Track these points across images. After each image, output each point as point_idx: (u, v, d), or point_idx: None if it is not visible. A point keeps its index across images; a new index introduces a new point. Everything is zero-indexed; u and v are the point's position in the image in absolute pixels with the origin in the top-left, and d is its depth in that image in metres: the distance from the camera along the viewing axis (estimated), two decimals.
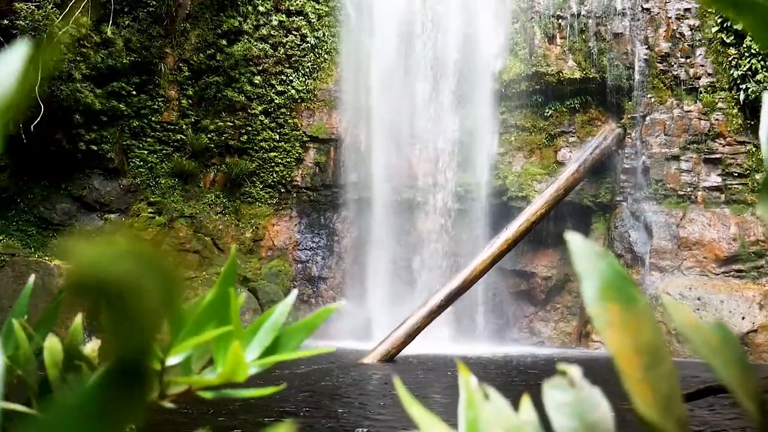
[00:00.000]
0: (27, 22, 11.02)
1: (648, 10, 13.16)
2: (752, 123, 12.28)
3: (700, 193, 12.54)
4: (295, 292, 0.74)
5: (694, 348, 0.43)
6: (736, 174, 12.39)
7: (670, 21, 12.96)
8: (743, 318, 11.26)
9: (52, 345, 0.71)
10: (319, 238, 15.02)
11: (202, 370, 0.64)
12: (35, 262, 11.15)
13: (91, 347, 0.75)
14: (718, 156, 12.50)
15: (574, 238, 0.42)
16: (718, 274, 12.07)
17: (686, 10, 12.91)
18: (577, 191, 13.41)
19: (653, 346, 0.39)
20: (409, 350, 10.46)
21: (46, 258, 11.56)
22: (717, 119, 12.50)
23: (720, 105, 12.50)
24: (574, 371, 0.45)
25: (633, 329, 0.40)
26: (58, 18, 11.43)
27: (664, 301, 0.47)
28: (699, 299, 11.64)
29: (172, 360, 0.60)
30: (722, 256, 12.07)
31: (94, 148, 13.50)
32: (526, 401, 0.50)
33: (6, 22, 11.22)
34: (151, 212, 13.96)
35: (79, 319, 0.76)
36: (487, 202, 13.94)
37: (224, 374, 0.58)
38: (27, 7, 11.04)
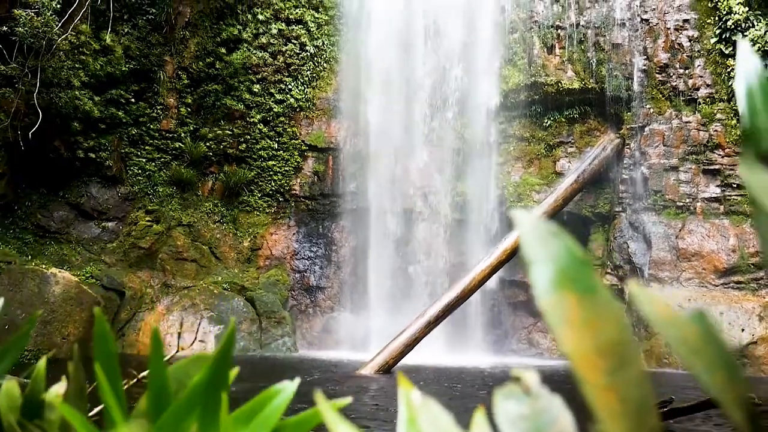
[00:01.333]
0: (26, 29, 11.00)
1: (647, 20, 13.17)
2: None
3: (699, 204, 12.50)
4: (297, 381, 0.65)
5: (668, 345, 0.35)
6: (735, 185, 12.34)
7: (669, 32, 12.97)
8: (743, 330, 11.19)
9: (10, 389, 0.62)
10: (317, 247, 14.95)
11: None
12: (31, 270, 11.08)
13: (55, 391, 0.67)
14: (717, 167, 12.47)
15: (520, 216, 0.36)
16: (717, 286, 12.00)
17: (685, 21, 12.92)
18: (576, 202, 13.37)
19: (619, 346, 0.32)
20: (407, 361, 10.38)
21: (43, 266, 11.50)
22: (716, 130, 12.47)
23: (719, 116, 12.48)
24: (531, 378, 0.38)
25: (594, 325, 0.33)
26: (57, 25, 11.42)
27: (632, 289, 0.40)
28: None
29: None
30: (721, 267, 12.01)
31: (92, 155, 13.47)
32: (479, 416, 0.43)
33: (5, 28, 11.21)
34: (148, 220, 13.90)
35: (42, 362, 0.68)
36: (486, 211, 13.89)
37: None
38: (26, 14, 11.03)
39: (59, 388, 0.62)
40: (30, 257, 12.42)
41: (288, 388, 0.57)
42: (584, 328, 0.33)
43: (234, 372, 0.54)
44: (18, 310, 10.58)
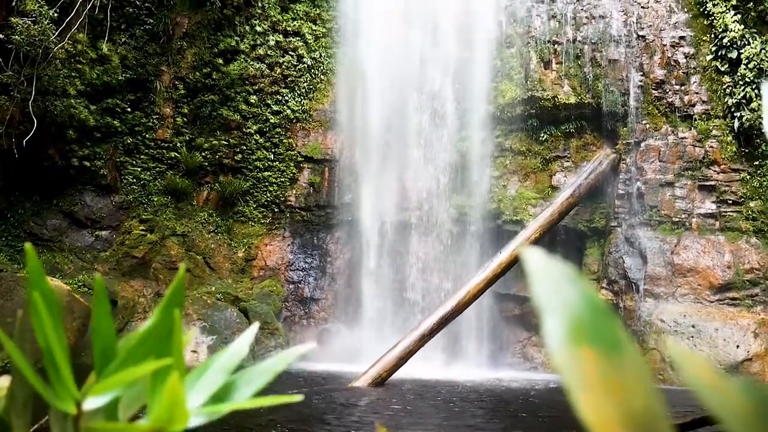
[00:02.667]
0: (23, 37, 10.98)
1: (643, 37, 13.23)
2: (746, 151, 12.30)
3: (694, 219, 12.51)
4: (255, 326, 0.62)
5: (714, 413, 0.30)
6: (731, 201, 12.37)
7: (665, 48, 13.03)
8: (738, 346, 11.16)
9: None
10: (311, 258, 14.90)
11: (136, 418, 0.52)
12: (23, 278, 10.98)
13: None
14: (712, 183, 12.49)
15: (532, 256, 0.32)
16: (712, 302, 11.98)
17: (681, 38, 12.98)
18: (572, 216, 13.36)
19: (647, 416, 0.26)
20: (401, 374, 10.32)
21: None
22: (711, 146, 12.51)
23: (714, 132, 12.52)
24: None
25: (618, 390, 0.28)
26: (54, 34, 11.41)
27: (672, 350, 0.34)
28: (693, 327, 11.55)
29: (93, 402, 0.49)
30: (717, 283, 12.00)
31: (87, 164, 13.42)
32: None
33: (1, 36, 11.18)
34: (142, 230, 13.83)
35: None
36: (482, 225, 13.87)
37: (156, 419, 0.45)
38: (23, 23, 11.01)
39: (4, 381, 0.58)
40: (22, 265, 12.33)
41: (244, 337, 0.54)
42: (606, 392, 0.28)
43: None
44: (9, 318, 10.48)
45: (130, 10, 13.55)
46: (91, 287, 12.52)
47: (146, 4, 13.74)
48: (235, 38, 14.57)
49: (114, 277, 13.32)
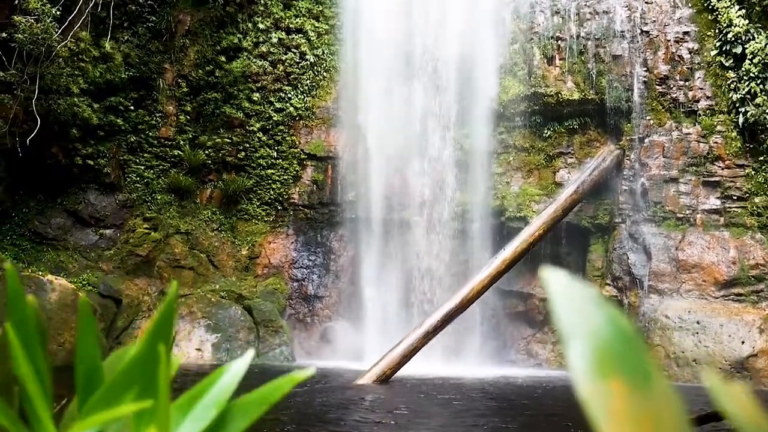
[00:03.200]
0: (26, 35, 10.98)
1: (647, 32, 13.18)
2: (751, 146, 12.25)
3: (699, 215, 12.47)
4: (251, 353, 0.59)
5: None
6: (735, 197, 12.32)
7: (669, 44, 12.97)
8: (743, 342, 11.13)
9: None
10: (315, 256, 14.90)
11: None
12: (28, 277, 11.00)
13: None
14: (717, 179, 12.45)
15: (554, 278, 0.29)
16: (717, 298, 11.95)
17: (685, 33, 12.92)
18: (576, 212, 13.33)
19: None
20: (405, 371, 10.32)
21: (39, 273, 11.42)
22: (716, 142, 12.46)
23: (719, 128, 12.47)
24: None
25: (648, 424, 0.26)
26: (56, 32, 11.41)
27: (712, 383, 0.32)
28: (698, 323, 11.52)
29: None
30: (721, 279, 11.97)
31: (91, 162, 13.43)
32: None
33: (5, 35, 11.18)
34: (146, 228, 13.84)
35: None
36: (485, 222, 13.85)
37: None
38: (26, 21, 11.00)
39: None
40: (27, 264, 12.35)
41: (238, 366, 0.51)
42: (635, 427, 0.26)
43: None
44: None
45: (133, 7, 13.54)
46: (96, 286, 12.55)
47: (149, 2, 13.73)
48: (238, 35, 14.55)
49: (118, 275, 13.34)
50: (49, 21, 11.21)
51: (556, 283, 0.31)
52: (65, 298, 11.04)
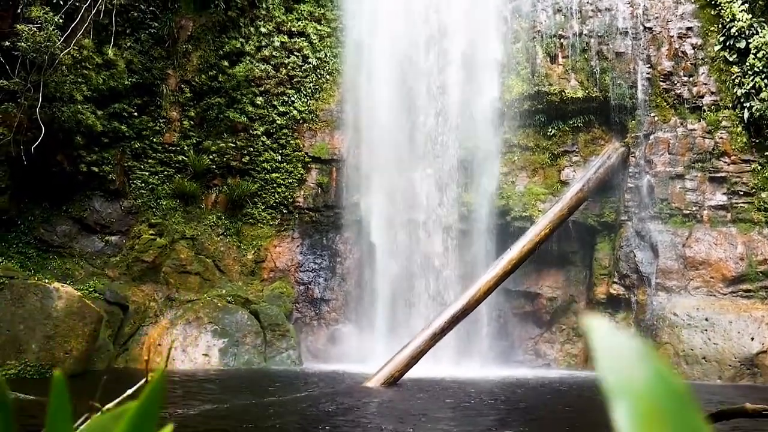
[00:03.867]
0: (29, 44, 11.00)
1: (650, 29, 13.13)
2: (757, 141, 12.18)
3: (705, 212, 12.40)
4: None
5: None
6: (742, 192, 12.25)
7: (673, 40, 12.92)
8: (752, 339, 11.06)
9: None
10: (321, 259, 14.88)
11: None
12: (34, 285, 11.01)
13: None
14: (723, 174, 12.38)
15: (598, 330, 0.26)
16: (725, 294, 11.88)
17: (688, 29, 12.87)
18: (582, 211, 13.28)
19: None
20: (413, 373, 10.28)
21: (46, 280, 11.43)
22: (721, 137, 12.40)
23: (724, 123, 12.40)
24: None
25: None
26: (59, 40, 11.42)
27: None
28: (707, 320, 11.45)
29: None
30: (729, 275, 11.89)
31: (95, 169, 13.45)
32: None
33: (8, 44, 11.21)
34: (152, 234, 13.85)
35: None
36: (491, 222, 13.81)
37: None
38: (29, 29, 11.03)
39: None
40: (33, 272, 12.36)
41: None
42: None
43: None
44: (21, 325, 10.51)
45: (135, 14, 13.56)
46: (103, 292, 12.56)
47: (151, 8, 13.75)
48: (240, 40, 14.56)
49: (124, 281, 13.35)
50: (51, 29, 11.24)
51: (600, 334, 0.29)
52: (72, 305, 11.04)
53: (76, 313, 11.02)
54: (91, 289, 12.42)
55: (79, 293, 11.42)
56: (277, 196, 14.74)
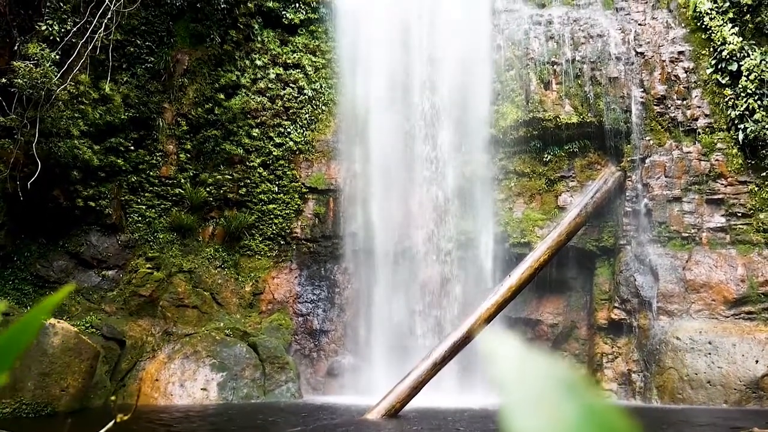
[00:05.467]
0: (25, 80, 11.06)
1: (642, 54, 13.25)
2: (753, 162, 12.20)
3: (704, 234, 12.37)
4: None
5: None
6: (740, 214, 12.23)
7: (665, 64, 13.03)
8: (757, 361, 10.93)
9: None
10: (319, 290, 14.78)
11: None
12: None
13: None
14: (720, 196, 12.37)
15: (495, 349, 0.22)
16: (728, 317, 11.78)
17: (680, 53, 12.99)
18: (580, 236, 13.24)
19: None
20: (414, 404, 10.13)
21: (42, 317, 11.32)
22: (717, 159, 12.42)
23: (719, 145, 12.44)
24: None
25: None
26: (56, 76, 11.49)
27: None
28: (710, 343, 11.33)
29: None
30: (731, 298, 11.81)
31: (92, 204, 13.42)
32: None
33: (4, 80, 11.28)
34: (149, 267, 13.77)
35: None
36: (489, 249, 13.76)
37: None
38: (25, 66, 11.10)
39: None
40: (29, 308, 12.26)
41: None
42: None
43: None
44: (16, 362, 10.39)
45: (132, 49, 13.68)
46: (99, 328, 12.44)
47: (147, 43, 13.87)
48: (236, 73, 14.67)
49: (121, 316, 13.23)
50: (48, 65, 11.31)
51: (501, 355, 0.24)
52: (68, 341, 10.92)
53: (72, 350, 10.89)
54: (87, 325, 12.31)
55: (75, 329, 11.31)
56: (274, 227, 14.70)
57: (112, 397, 11.54)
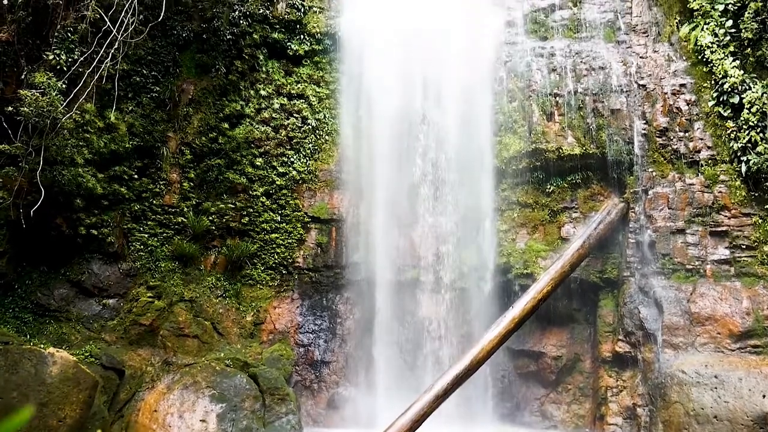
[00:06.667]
0: (31, 108, 11.15)
1: (644, 86, 13.33)
2: (756, 194, 12.18)
3: (708, 266, 12.29)
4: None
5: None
6: (744, 246, 12.17)
7: (667, 96, 13.10)
8: (764, 396, 10.77)
9: None
10: (321, 320, 14.68)
11: None
12: (29, 351, 10.81)
13: None
14: (724, 228, 12.32)
15: None
16: (733, 350, 11.64)
17: (681, 85, 13.06)
18: (583, 267, 13.18)
19: None
20: None
21: (41, 346, 11.23)
22: (720, 191, 12.40)
23: (722, 177, 12.43)
24: None
25: None
26: (62, 105, 11.58)
27: None
28: (716, 377, 11.18)
29: None
30: (737, 331, 11.68)
31: (95, 232, 13.41)
32: None
33: (10, 109, 11.36)
34: (150, 296, 13.70)
35: None
36: (492, 280, 13.70)
37: None
38: (32, 94, 11.19)
39: None
40: (29, 336, 12.18)
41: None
42: None
43: None
44: (14, 392, 10.27)
45: (138, 79, 13.81)
46: (99, 357, 12.32)
47: (153, 73, 14.00)
48: (240, 102, 14.78)
49: (121, 345, 13.13)
50: (54, 94, 11.41)
51: None
52: (67, 371, 10.82)
53: (70, 379, 10.78)
54: (87, 354, 12.20)
55: (74, 358, 11.21)
56: (276, 256, 14.66)
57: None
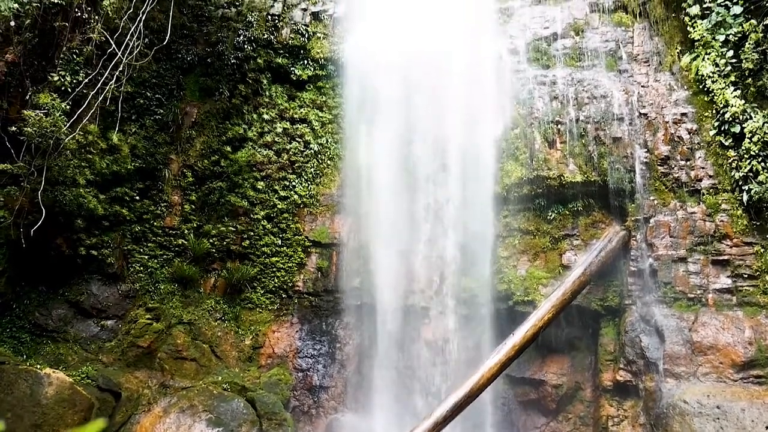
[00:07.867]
0: (35, 129, 11.20)
1: (645, 115, 13.39)
2: (758, 224, 12.16)
3: (710, 295, 12.22)
4: None
5: None
6: (746, 275, 12.11)
7: (668, 125, 13.15)
8: (767, 427, 10.63)
9: None
10: (320, 345, 14.57)
11: None
12: (25, 371, 10.72)
13: None
14: (726, 257, 12.27)
15: None
16: (736, 381, 11.52)
17: (683, 114, 13.12)
18: (585, 295, 13.10)
19: None
20: None
21: (37, 366, 11.14)
22: (722, 220, 12.39)
23: (724, 206, 12.42)
24: None
25: None
26: (65, 125, 11.64)
27: None
28: (718, 408, 11.05)
29: None
30: (739, 361, 11.57)
31: (94, 253, 13.38)
32: None
33: (14, 128, 11.41)
34: (148, 318, 13.62)
35: None
36: (493, 307, 13.62)
37: None
38: (36, 115, 11.25)
39: None
40: (25, 357, 12.09)
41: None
42: None
43: None
44: (9, 413, 10.16)
45: (141, 101, 13.90)
46: (95, 379, 12.21)
47: (157, 96, 14.10)
48: (243, 126, 14.86)
49: (118, 367, 13.02)
50: (58, 115, 11.46)
51: None
52: (62, 392, 10.72)
53: (66, 401, 10.68)
54: (83, 375, 12.09)
55: (70, 379, 11.11)
56: (276, 280, 14.61)
57: None
